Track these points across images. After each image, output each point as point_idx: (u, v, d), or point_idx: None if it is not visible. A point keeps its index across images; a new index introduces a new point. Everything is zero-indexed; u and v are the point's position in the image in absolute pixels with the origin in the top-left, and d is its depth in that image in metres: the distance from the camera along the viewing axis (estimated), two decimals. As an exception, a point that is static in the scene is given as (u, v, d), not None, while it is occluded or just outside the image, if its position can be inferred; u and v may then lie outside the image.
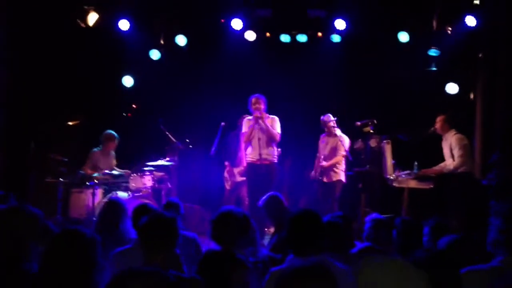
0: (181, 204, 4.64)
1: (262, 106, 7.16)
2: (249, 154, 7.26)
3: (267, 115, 7.26)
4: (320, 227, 3.29)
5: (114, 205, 4.47)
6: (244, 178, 7.77)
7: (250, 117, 7.31)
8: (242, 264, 3.34)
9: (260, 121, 7.10)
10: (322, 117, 7.60)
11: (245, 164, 7.61)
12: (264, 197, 5.28)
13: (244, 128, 7.31)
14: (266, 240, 6.50)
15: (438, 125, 7.12)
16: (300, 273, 1.97)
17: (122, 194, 7.15)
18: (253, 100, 7.19)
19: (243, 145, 7.64)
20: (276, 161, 7.27)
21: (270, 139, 7.16)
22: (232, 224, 3.56)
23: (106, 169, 7.36)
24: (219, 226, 3.59)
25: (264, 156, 7.13)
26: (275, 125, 7.26)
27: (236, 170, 7.95)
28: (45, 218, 3.51)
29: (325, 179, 7.55)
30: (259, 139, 7.13)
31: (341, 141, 7.47)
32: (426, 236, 3.88)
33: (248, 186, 7.33)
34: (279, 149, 7.42)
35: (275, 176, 7.25)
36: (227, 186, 8.01)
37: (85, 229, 2.70)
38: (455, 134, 6.96)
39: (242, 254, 3.48)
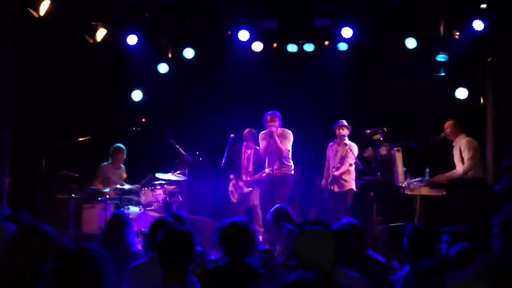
0: (185, 216, 4.64)
1: (277, 123, 7.42)
2: (266, 168, 7.51)
3: (281, 129, 7.49)
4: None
5: (118, 219, 4.49)
6: (251, 189, 7.84)
7: (264, 132, 7.54)
8: (257, 273, 3.34)
9: (273, 137, 7.33)
10: (342, 121, 7.56)
11: (250, 176, 7.85)
12: (271, 210, 5.27)
13: (262, 143, 7.54)
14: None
15: (448, 130, 7.08)
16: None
17: (133, 209, 7.16)
18: (268, 117, 7.45)
19: (244, 158, 7.84)
20: (290, 173, 7.48)
21: (280, 154, 7.38)
22: (240, 234, 3.55)
23: (116, 182, 7.38)
24: (228, 238, 3.58)
25: (277, 169, 7.41)
26: (284, 140, 7.45)
27: (241, 183, 7.97)
28: (58, 234, 3.52)
29: (336, 189, 7.52)
30: (272, 153, 7.39)
31: (350, 149, 7.46)
32: (446, 244, 3.80)
33: (265, 198, 7.51)
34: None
35: (289, 187, 7.45)
36: (233, 199, 8.00)
37: (95, 246, 2.69)
38: (465, 137, 6.93)
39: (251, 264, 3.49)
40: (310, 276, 2.08)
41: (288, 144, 7.49)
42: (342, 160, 7.53)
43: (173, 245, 2.87)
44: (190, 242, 2.92)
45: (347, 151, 7.50)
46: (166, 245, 2.89)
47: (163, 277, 2.82)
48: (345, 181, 7.50)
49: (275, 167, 7.40)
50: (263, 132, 7.57)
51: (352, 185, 7.50)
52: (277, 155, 7.41)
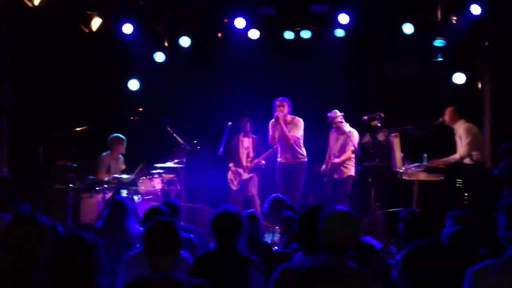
0: (179, 204, 4.66)
1: (286, 109, 7.43)
2: (279, 157, 7.59)
3: (291, 116, 7.52)
4: None
5: (118, 204, 4.52)
6: (251, 175, 7.88)
7: (273, 120, 7.57)
8: (247, 259, 3.34)
9: (279, 123, 7.34)
10: (328, 114, 7.60)
11: (250, 163, 7.88)
12: (267, 201, 5.27)
13: (270, 131, 7.58)
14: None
15: (447, 116, 7.09)
16: (312, 273, 1.96)
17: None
18: (278, 103, 7.48)
19: (242, 147, 8.01)
20: (301, 160, 7.52)
21: (291, 142, 7.42)
22: (229, 221, 3.53)
23: (115, 173, 7.38)
24: (218, 225, 3.57)
25: (288, 157, 7.49)
26: (294, 128, 7.48)
27: (240, 170, 8.01)
28: (57, 224, 3.54)
29: (335, 175, 7.55)
30: (281, 141, 7.46)
31: (349, 137, 7.45)
32: (449, 228, 3.79)
33: (277, 186, 7.53)
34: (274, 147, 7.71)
35: (303, 175, 7.51)
36: (233, 187, 8.05)
37: (87, 234, 2.71)
38: (464, 123, 6.94)
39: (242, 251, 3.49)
40: (327, 261, 2.06)
41: (297, 132, 7.49)
42: (343, 147, 7.54)
43: (154, 235, 2.89)
44: (171, 231, 2.92)
45: (347, 139, 7.50)
46: (148, 236, 2.92)
47: (150, 266, 2.84)
48: (345, 167, 7.53)
49: (288, 155, 7.46)
50: (272, 120, 7.57)
51: (352, 172, 7.54)
52: (289, 143, 7.42)
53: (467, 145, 6.81)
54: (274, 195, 5.42)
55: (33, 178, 6.88)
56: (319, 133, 7.82)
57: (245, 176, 7.98)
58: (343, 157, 7.48)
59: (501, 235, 2.77)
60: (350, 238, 3.05)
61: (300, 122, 7.55)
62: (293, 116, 7.58)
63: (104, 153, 7.56)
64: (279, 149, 7.63)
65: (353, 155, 7.52)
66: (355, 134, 7.52)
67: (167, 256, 2.81)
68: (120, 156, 7.66)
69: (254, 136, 8.08)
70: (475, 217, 3.75)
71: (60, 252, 2.60)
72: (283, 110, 7.42)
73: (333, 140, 7.68)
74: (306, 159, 7.58)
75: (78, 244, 2.59)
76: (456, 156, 6.89)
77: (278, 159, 7.66)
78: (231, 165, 8.11)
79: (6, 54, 6.94)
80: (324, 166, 7.72)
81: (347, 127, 7.53)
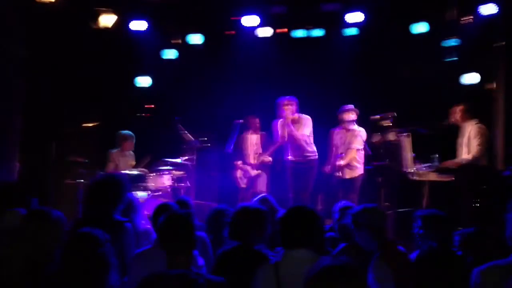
0: (191, 202, 4.66)
1: (294, 108, 7.38)
2: (289, 155, 7.59)
3: (297, 115, 7.48)
4: (316, 222, 3.22)
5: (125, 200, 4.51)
6: (258, 171, 7.87)
7: (281, 120, 7.56)
8: (263, 257, 3.33)
9: (287, 122, 7.35)
10: (349, 107, 7.54)
11: (255, 160, 7.92)
12: (254, 200, 5.28)
13: (280, 131, 7.58)
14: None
15: (458, 115, 6.98)
16: (332, 273, 1.94)
17: (141, 194, 7.19)
18: (285, 101, 7.41)
19: (249, 145, 7.97)
20: (311, 158, 7.50)
21: (300, 140, 7.42)
22: (250, 219, 3.54)
23: (124, 169, 7.41)
24: (237, 223, 3.58)
25: (298, 155, 7.47)
26: (301, 126, 7.45)
27: (248, 167, 8.00)
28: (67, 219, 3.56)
29: (346, 175, 7.49)
30: (291, 139, 7.45)
31: (359, 134, 7.41)
32: (417, 228, 3.67)
33: (287, 184, 7.55)
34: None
35: (313, 173, 7.49)
36: (242, 184, 8.03)
37: (96, 230, 2.71)
38: (476, 123, 6.83)
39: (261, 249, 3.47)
40: (347, 261, 2.04)
41: (305, 130, 7.47)
42: (349, 145, 7.49)
43: (172, 229, 2.87)
44: (189, 225, 2.91)
45: (356, 136, 7.45)
46: (165, 230, 2.90)
47: (167, 262, 2.83)
48: (356, 167, 7.48)
49: (298, 153, 7.46)
50: (281, 120, 7.55)
51: (361, 170, 7.50)
52: (298, 142, 7.42)
53: (478, 146, 6.70)
54: (262, 195, 5.43)
55: (44, 173, 6.94)
56: (328, 132, 7.78)
57: (253, 173, 7.97)
58: (347, 159, 7.42)
59: (509, 235, 2.74)
60: (377, 232, 3.29)
61: (308, 120, 7.51)
62: (300, 114, 7.53)
63: (113, 150, 7.60)
64: (289, 147, 7.62)
65: (360, 153, 7.48)
66: (363, 132, 7.48)
67: (183, 251, 2.80)
68: (131, 152, 7.70)
69: (263, 132, 8.05)
70: (445, 218, 3.67)
71: (71, 248, 2.61)
72: (291, 109, 7.39)
73: (339, 139, 7.63)
74: (316, 157, 7.55)
75: (88, 240, 2.60)
76: (468, 157, 6.80)
77: (288, 157, 7.64)
78: (238, 162, 8.10)
79: (21, 50, 6.99)
80: (330, 167, 7.68)
81: (355, 126, 7.51)
